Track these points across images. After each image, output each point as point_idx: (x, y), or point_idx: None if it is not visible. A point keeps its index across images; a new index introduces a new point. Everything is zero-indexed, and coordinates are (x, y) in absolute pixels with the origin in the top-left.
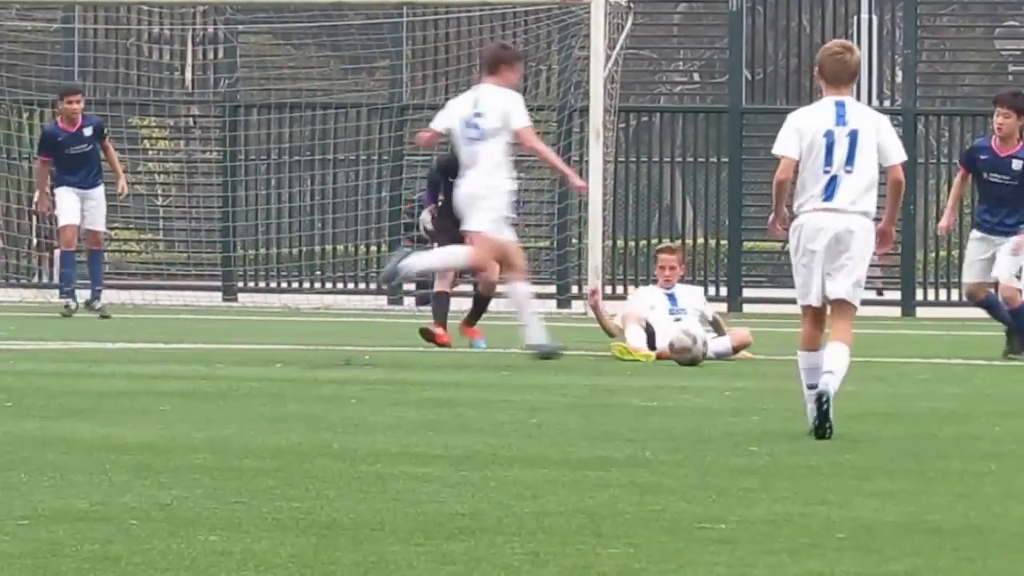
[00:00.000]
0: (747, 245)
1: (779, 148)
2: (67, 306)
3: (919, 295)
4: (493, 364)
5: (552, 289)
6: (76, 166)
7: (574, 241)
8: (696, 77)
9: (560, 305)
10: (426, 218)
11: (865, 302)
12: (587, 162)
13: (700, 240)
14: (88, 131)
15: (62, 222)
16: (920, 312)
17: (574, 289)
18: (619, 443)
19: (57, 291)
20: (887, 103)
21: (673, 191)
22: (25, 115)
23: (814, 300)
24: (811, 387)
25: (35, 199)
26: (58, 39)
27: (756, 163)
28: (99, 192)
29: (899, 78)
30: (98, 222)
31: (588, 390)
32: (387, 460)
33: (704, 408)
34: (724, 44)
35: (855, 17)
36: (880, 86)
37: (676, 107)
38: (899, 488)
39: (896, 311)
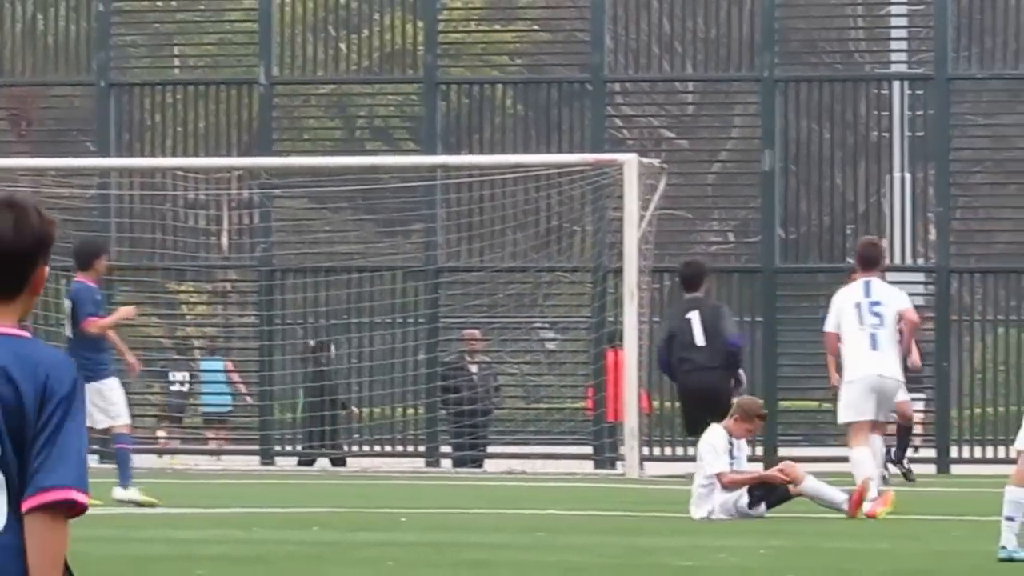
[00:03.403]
0: (783, 404)
1: None
2: None
3: (953, 452)
4: (529, 526)
5: (589, 450)
6: None
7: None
8: (730, 237)
9: (597, 466)
10: None
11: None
12: (622, 323)
13: (735, 399)
14: None
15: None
16: (955, 469)
17: (609, 450)
18: None
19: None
20: (921, 261)
21: None
22: (63, 282)
23: None
24: (1008, 519)
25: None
26: (95, 205)
27: (790, 322)
28: None
29: (932, 236)
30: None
31: (624, 550)
32: None
33: (740, 567)
34: (758, 204)
35: (888, 176)
36: (914, 244)
37: (710, 267)
38: None
39: (931, 468)
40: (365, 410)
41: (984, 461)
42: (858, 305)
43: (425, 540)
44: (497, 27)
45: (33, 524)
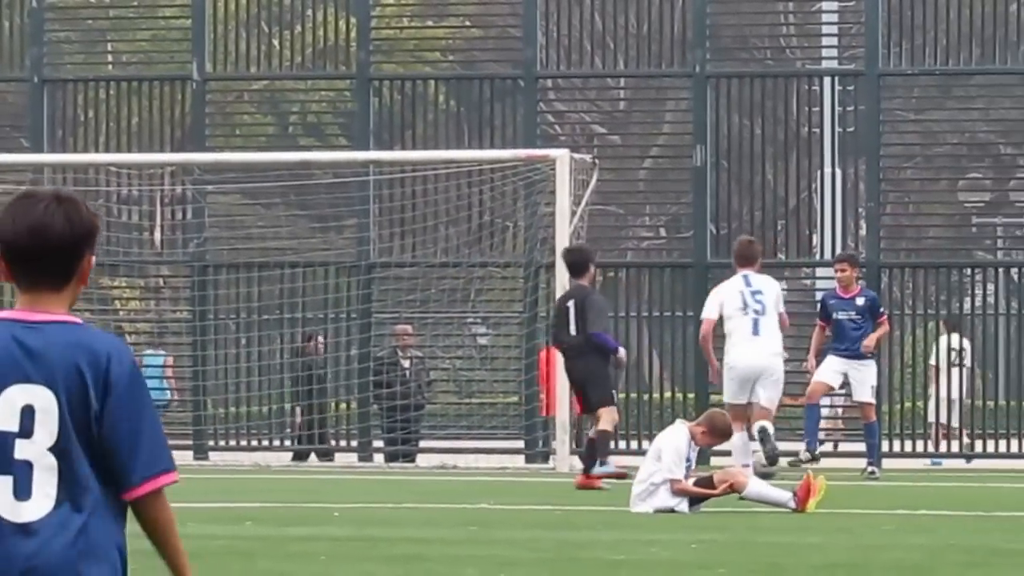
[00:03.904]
0: (715, 398)
1: None
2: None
3: (884, 446)
4: (461, 520)
5: (520, 444)
6: (842, 333)
7: (542, 397)
8: (662, 232)
9: (528, 460)
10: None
11: (827, 454)
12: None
13: (668, 393)
14: (861, 301)
15: (816, 378)
16: (885, 463)
17: (541, 444)
18: None
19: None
20: None
21: (640, 345)
22: None
23: None
24: None
25: (807, 363)
26: None
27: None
28: (869, 364)
29: (863, 231)
30: (865, 393)
31: (556, 544)
32: None
33: (671, 561)
34: (689, 199)
35: (819, 171)
36: (844, 239)
37: (642, 262)
38: None
39: (861, 462)
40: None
41: (914, 455)
42: (742, 292)
43: (357, 534)
44: (429, 23)
45: (151, 507)
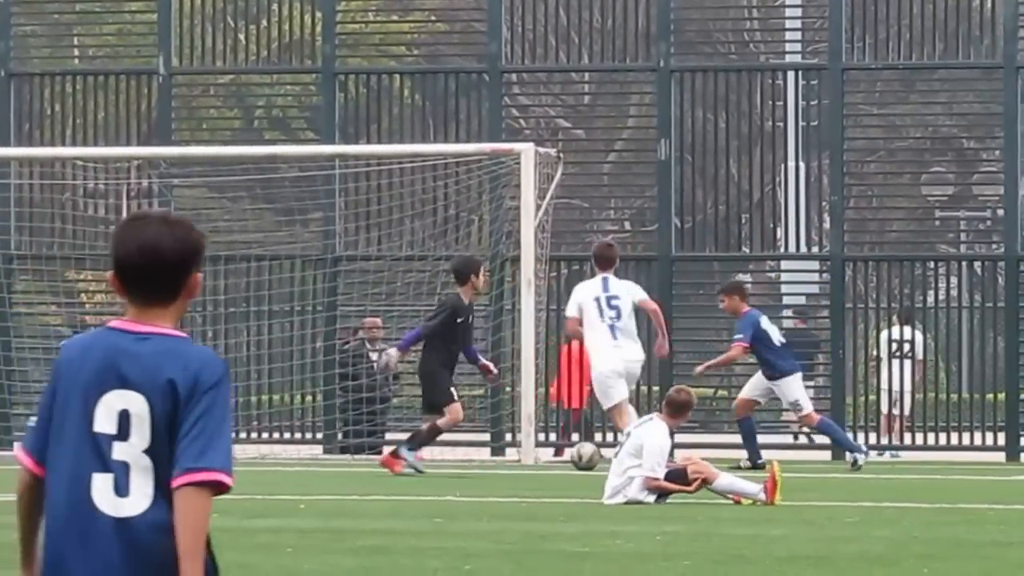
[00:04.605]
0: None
1: None
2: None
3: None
4: (427, 512)
5: (486, 437)
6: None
7: (507, 389)
8: (627, 225)
9: (494, 453)
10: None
11: (795, 447)
12: (519, 311)
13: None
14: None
15: (740, 394)
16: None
17: (507, 437)
18: None
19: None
20: (815, 249)
21: None
22: None
23: None
24: None
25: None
26: None
27: (686, 310)
28: (783, 382)
29: (827, 224)
30: (791, 408)
31: (521, 536)
32: None
33: (635, 553)
34: (654, 193)
35: (783, 165)
36: (808, 232)
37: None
38: None
39: (826, 455)
40: (264, 397)
41: (878, 447)
42: (597, 299)
43: (324, 526)
44: (395, 18)
45: (183, 499)
